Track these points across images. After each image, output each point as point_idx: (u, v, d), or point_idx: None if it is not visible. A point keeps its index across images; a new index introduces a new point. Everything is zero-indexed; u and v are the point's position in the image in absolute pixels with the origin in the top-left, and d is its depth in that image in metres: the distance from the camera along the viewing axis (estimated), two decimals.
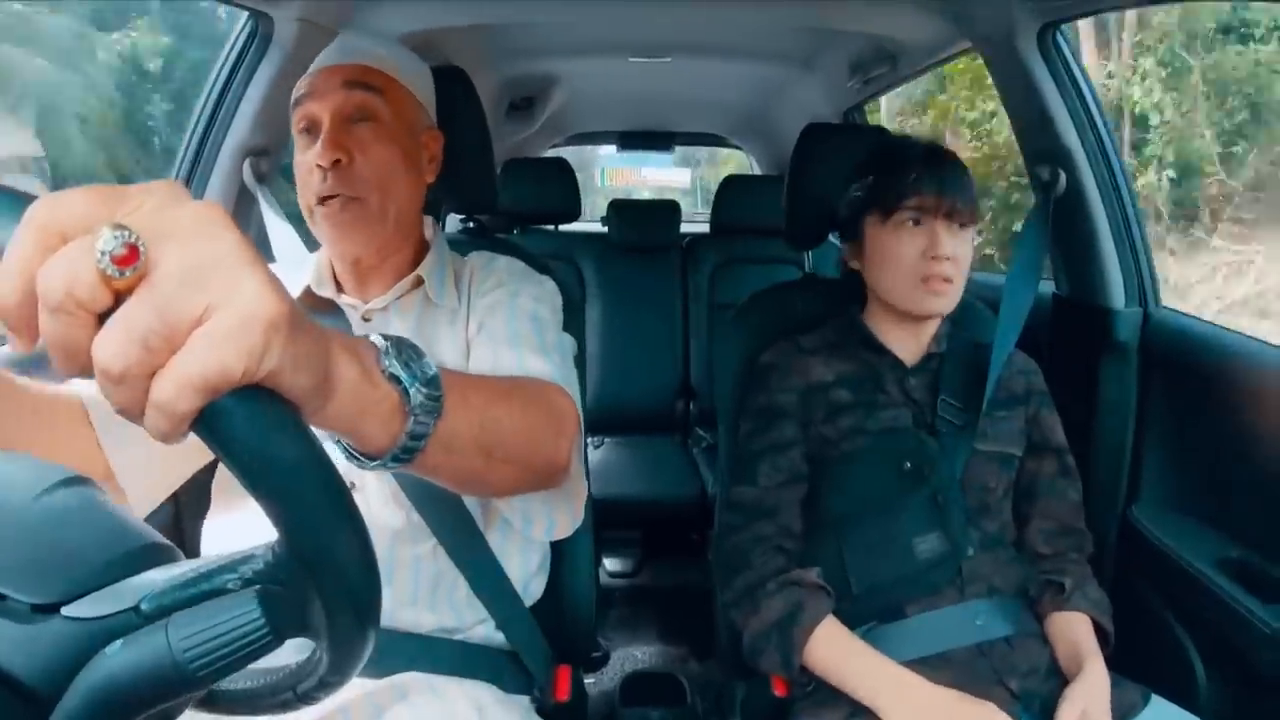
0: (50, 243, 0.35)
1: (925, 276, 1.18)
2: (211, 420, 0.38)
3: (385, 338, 0.56)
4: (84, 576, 0.43)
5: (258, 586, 0.43)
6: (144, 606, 0.42)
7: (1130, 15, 7.88)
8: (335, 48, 1.07)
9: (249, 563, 0.44)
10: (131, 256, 0.35)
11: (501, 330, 1.00)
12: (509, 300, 1.04)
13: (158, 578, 0.44)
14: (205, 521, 1.03)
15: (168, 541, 0.50)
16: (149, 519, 1.30)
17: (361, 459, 0.58)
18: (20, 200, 0.37)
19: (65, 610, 0.42)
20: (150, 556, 0.47)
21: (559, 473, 0.84)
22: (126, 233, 0.35)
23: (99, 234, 0.35)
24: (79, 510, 0.48)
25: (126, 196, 0.37)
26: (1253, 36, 8.49)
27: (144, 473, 0.90)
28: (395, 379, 0.55)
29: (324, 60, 1.06)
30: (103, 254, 0.35)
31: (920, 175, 1.19)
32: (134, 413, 0.37)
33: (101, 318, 0.36)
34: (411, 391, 0.56)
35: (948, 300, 1.20)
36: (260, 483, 0.40)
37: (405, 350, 0.57)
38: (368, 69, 1.04)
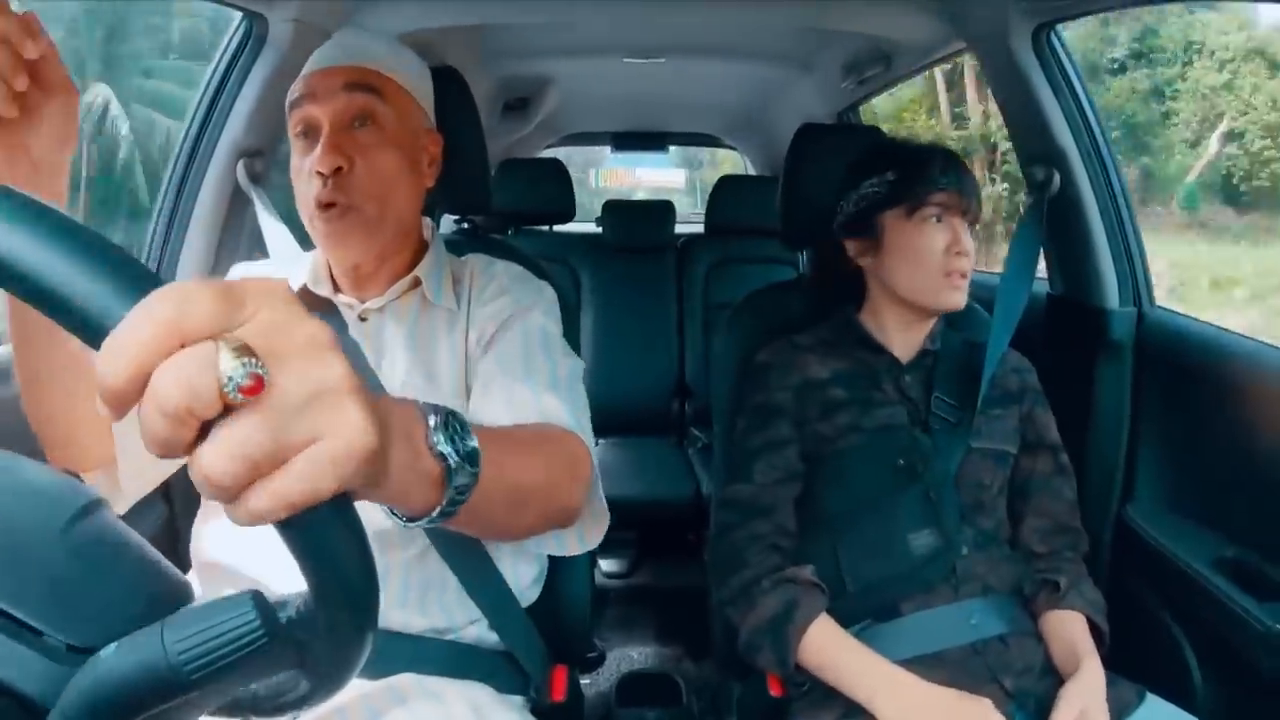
0: (171, 342, 0.35)
1: (948, 271, 1.20)
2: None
3: (434, 410, 0.58)
4: (118, 620, 0.44)
5: (254, 591, 0.44)
6: (176, 651, 0.43)
7: None
8: (334, 47, 1.04)
9: (281, 611, 0.45)
10: (257, 387, 0.36)
11: (517, 360, 0.99)
12: (519, 319, 1.03)
13: (185, 622, 0.45)
14: (195, 524, 1.03)
15: (184, 578, 0.52)
16: (144, 521, 1.31)
17: (396, 518, 0.60)
18: (144, 278, 0.38)
19: (102, 653, 0.43)
20: (175, 596, 0.49)
21: (573, 516, 0.87)
22: (253, 361, 0.36)
23: (222, 353, 0.36)
24: (104, 545, 0.49)
25: (244, 301, 0.38)
26: (1159, 60, 9.39)
27: (144, 458, 0.91)
28: (440, 455, 0.57)
29: (322, 60, 1.03)
30: (229, 379, 0.35)
31: (944, 173, 1.21)
32: (222, 501, 0.38)
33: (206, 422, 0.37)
34: (454, 469, 0.58)
35: (964, 295, 1.22)
36: (308, 559, 0.42)
37: (451, 424, 0.58)
38: (368, 71, 1.01)
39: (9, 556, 0.45)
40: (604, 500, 0.94)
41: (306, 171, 0.99)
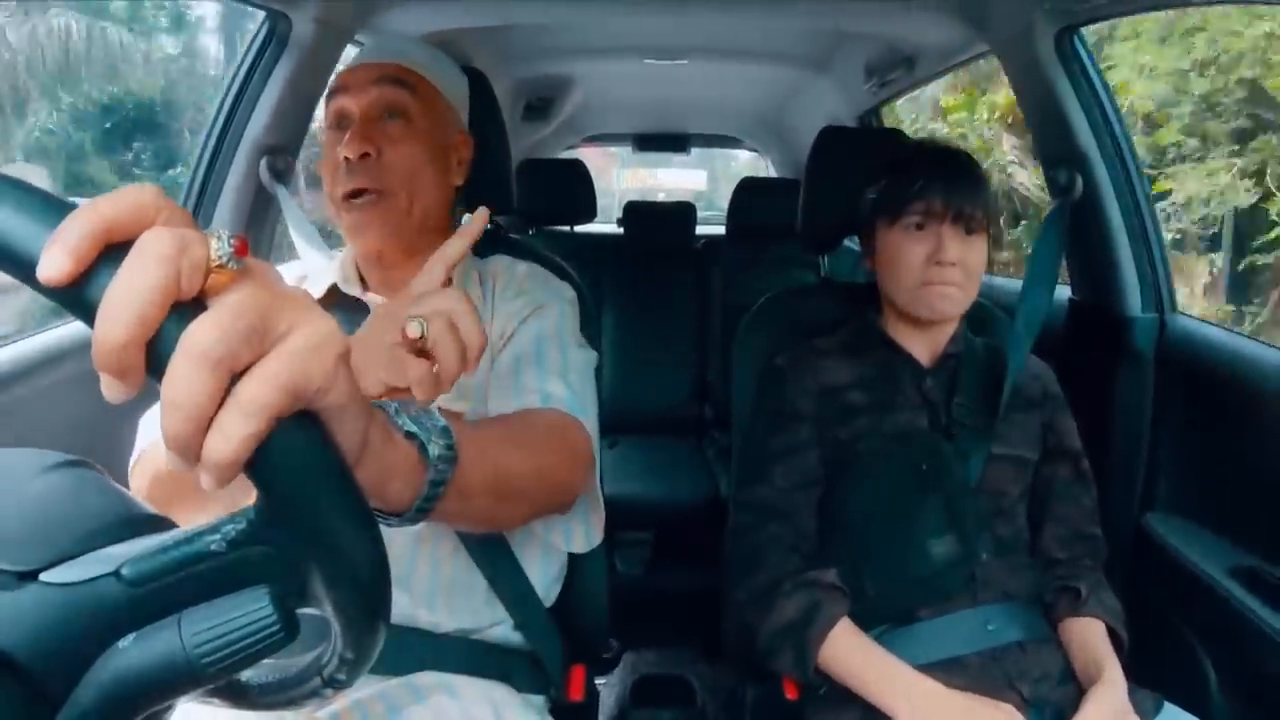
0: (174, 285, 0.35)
1: (927, 281, 1.19)
2: (272, 450, 0.38)
3: (385, 404, 0.58)
4: (67, 544, 0.43)
5: (269, 587, 0.43)
6: (125, 571, 0.41)
7: None
8: (373, 45, 1.10)
9: (232, 523, 0.42)
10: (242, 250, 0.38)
11: (529, 353, 1.01)
12: (535, 317, 1.05)
13: (141, 544, 0.43)
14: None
15: (161, 514, 0.49)
16: None
17: (386, 518, 0.60)
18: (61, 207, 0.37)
19: (44, 576, 0.41)
20: (141, 527, 0.46)
21: (571, 500, 0.90)
22: (230, 236, 0.38)
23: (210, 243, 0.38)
24: (73, 485, 0.48)
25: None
26: None
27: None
28: (410, 435, 0.58)
29: (361, 57, 1.08)
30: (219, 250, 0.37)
31: (928, 179, 1.19)
32: (198, 435, 0.36)
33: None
34: (429, 444, 0.58)
35: (952, 304, 1.21)
36: (294, 512, 0.41)
37: (410, 405, 0.59)
38: (401, 67, 1.06)
39: None
40: (600, 494, 0.97)
41: (336, 159, 1.02)
